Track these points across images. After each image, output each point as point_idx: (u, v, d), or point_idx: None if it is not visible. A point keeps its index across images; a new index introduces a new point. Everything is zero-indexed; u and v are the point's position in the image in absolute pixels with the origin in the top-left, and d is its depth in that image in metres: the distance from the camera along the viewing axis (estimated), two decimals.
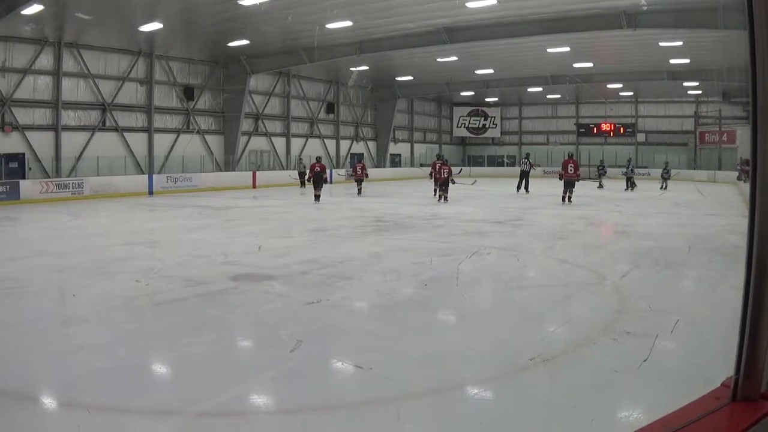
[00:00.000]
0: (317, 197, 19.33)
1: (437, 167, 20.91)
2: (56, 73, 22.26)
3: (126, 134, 24.82)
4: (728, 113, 36.92)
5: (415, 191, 25.63)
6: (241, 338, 5.27)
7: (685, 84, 33.69)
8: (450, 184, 19.60)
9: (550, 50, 25.44)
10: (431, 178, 22.26)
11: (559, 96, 41.97)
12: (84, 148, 23.32)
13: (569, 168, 18.90)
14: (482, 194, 23.12)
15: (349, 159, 36.55)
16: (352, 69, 30.28)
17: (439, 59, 28.13)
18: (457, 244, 10.36)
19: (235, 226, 13.36)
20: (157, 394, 3.93)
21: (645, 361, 4.31)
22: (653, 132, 42.04)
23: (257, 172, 28.92)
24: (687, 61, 26.98)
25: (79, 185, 20.93)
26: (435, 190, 21.79)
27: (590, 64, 29.40)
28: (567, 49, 24.96)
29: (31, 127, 21.88)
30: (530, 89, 39.20)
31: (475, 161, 46.83)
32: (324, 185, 19.88)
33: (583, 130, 44.42)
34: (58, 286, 7.15)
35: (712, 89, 35.15)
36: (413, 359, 4.50)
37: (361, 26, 21.65)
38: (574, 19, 20.24)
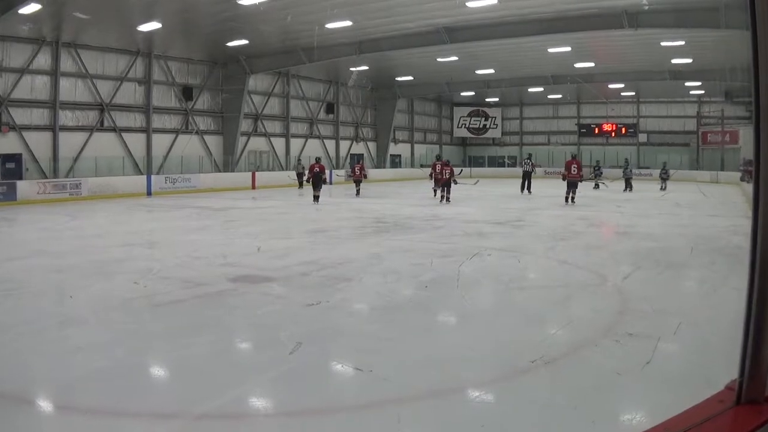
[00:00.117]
0: (316, 198, 19.33)
1: (438, 168, 20.91)
2: (54, 73, 22.28)
3: (124, 135, 24.83)
4: (731, 113, 36.93)
5: (415, 192, 25.62)
6: (240, 340, 5.26)
7: (687, 84, 33.71)
8: (452, 184, 19.58)
9: (550, 50, 25.46)
10: (431, 179, 22.25)
11: (560, 96, 41.98)
12: (82, 149, 23.33)
13: (572, 169, 18.93)
14: (483, 195, 23.11)
15: (348, 159, 36.56)
16: (351, 69, 30.29)
17: (439, 59, 28.14)
18: (458, 245, 10.35)
19: (234, 227, 13.36)
20: (156, 396, 3.93)
21: (647, 363, 4.30)
22: (655, 132, 42.04)
23: (256, 173, 28.92)
24: (689, 60, 26.99)
25: (77, 186, 20.92)
26: (435, 191, 21.82)
27: (591, 64, 29.43)
28: (568, 48, 24.98)
29: (28, 128, 21.89)
30: (531, 89, 39.21)
31: (475, 162, 46.83)
32: (323, 186, 19.84)
33: (584, 130, 44.43)
34: (57, 286, 7.15)
35: (715, 89, 35.17)
36: (414, 361, 4.49)
37: (360, 26, 21.66)
38: (574, 19, 20.24)
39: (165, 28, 20.90)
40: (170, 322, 5.61)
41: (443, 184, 19.56)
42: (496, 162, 46.95)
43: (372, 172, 35.94)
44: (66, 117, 22.93)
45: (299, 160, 29.74)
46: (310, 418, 3.66)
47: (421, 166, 40.04)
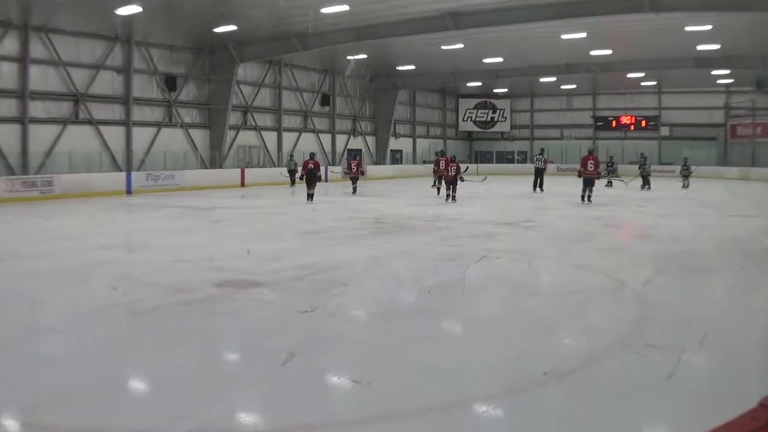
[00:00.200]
0: (310, 196, 19.32)
1: (443, 164, 20.94)
2: (23, 60, 22.14)
3: (101, 128, 24.79)
4: (763, 103, 36.89)
5: (417, 190, 25.59)
6: (228, 350, 5.24)
7: (715, 72, 33.62)
8: (459, 182, 19.57)
9: (564, 36, 25.43)
10: (434, 174, 22.28)
11: (574, 86, 41.99)
12: (54, 143, 23.27)
13: (589, 165, 18.95)
14: (490, 194, 23.10)
15: (345, 155, 36.58)
16: (349, 57, 30.30)
17: (443, 47, 28.13)
18: (464, 247, 10.34)
19: (222, 228, 13.34)
20: (135, 412, 3.91)
21: (670, 376, 4.29)
22: (678, 125, 41.99)
23: (246, 170, 28.93)
24: (716, 46, 26.85)
25: (49, 183, 20.89)
26: (438, 189, 21.84)
27: (609, 52, 29.39)
28: (583, 35, 24.95)
29: None
30: (543, 79, 39.23)
31: (482, 157, 46.88)
32: (318, 184, 19.85)
33: (600, 123, 44.46)
34: (27, 293, 7.13)
35: (745, 77, 35.14)
36: (416, 373, 4.48)
37: (358, 11, 21.64)
38: (591, 3, 20.23)
39: (146, 11, 20.81)
40: (151, 331, 5.59)
41: (449, 181, 19.54)
42: (505, 158, 46.99)
43: (371, 169, 35.94)
44: (37, 108, 22.86)
45: (291, 155, 29.76)
46: None
47: (424, 162, 40.07)
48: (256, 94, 31.52)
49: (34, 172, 22.16)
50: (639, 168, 26.91)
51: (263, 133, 32.15)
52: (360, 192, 23.36)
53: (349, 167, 24.43)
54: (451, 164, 19.63)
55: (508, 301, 6.92)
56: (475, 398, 4.08)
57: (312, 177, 19.60)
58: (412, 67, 34.86)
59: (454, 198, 19.24)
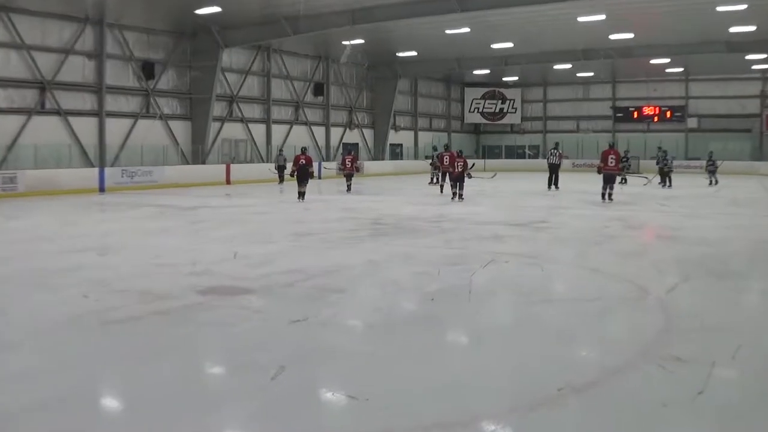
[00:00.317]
0: (301, 195, 19.33)
1: (449, 159, 20.97)
2: None
3: (71, 119, 24.77)
4: None
5: (418, 188, 25.58)
6: (211, 364, 5.24)
7: (749, 57, 33.45)
8: (466, 179, 19.59)
9: (581, 19, 25.44)
10: (438, 171, 22.32)
11: (591, 74, 42.04)
12: (18, 136, 23.23)
13: (609, 160, 18.98)
14: (499, 192, 23.12)
15: (341, 149, 36.58)
16: (344, 43, 30.27)
17: (448, 31, 28.13)
18: (470, 250, 10.35)
19: (205, 229, 13.35)
20: None
21: (699, 393, 4.28)
22: (708, 116, 41.97)
23: (231, 166, 28.93)
24: (751, 28, 26.75)
25: (12, 180, 20.86)
26: (442, 186, 21.88)
27: (630, 35, 29.32)
28: (602, 17, 24.93)
29: None
30: (557, 66, 39.15)
31: (490, 152, 46.92)
32: (310, 181, 19.86)
33: (620, 114, 44.53)
34: None
35: None
36: (417, 388, 4.47)
37: None
38: None
39: None
40: (126, 343, 5.57)
41: (455, 178, 19.56)
42: (515, 153, 47.02)
43: (368, 165, 35.96)
44: None
45: (281, 150, 29.76)
46: None
47: (426, 158, 40.02)
48: (242, 83, 31.51)
49: None
50: (657, 164, 26.90)
51: (250, 125, 32.15)
52: (356, 190, 23.34)
53: (344, 163, 24.48)
54: (458, 160, 19.66)
55: (518, 309, 6.91)
56: (481, 416, 4.07)
57: (304, 174, 19.59)
58: (414, 53, 34.87)
59: (461, 196, 19.26)
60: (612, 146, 20.03)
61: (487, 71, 40.78)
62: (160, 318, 6.31)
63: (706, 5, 23.05)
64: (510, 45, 32.05)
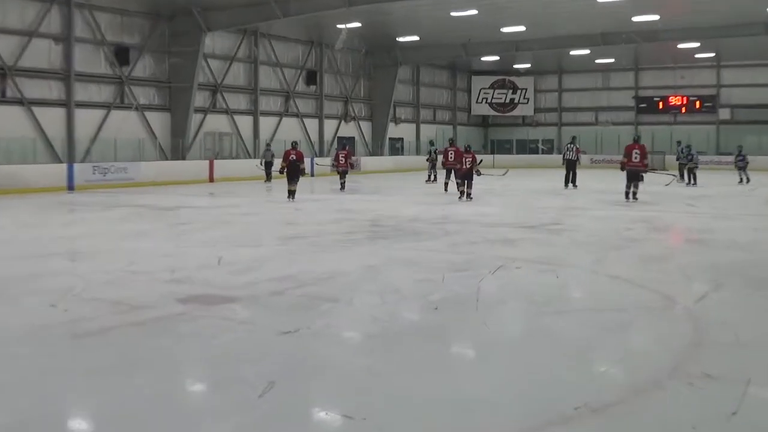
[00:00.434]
0: (291, 194, 19.35)
1: (453, 155, 21.01)
2: None
3: (35, 109, 24.74)
4: None
5: (421, 186, 25.59)
6: (192, 380, 5.23)
7: None
8: (475, 176, 19.62)
9: None
10: (443, 167, 22.41)
11: (612, 60, 42.08)
12: None
13: (634, 155, 18.99)
14: (509, 190, 23.15)
15: (335, 144, 36.60)
16: (339, 26, 30.30)
17: (453, 13, 28.19)
18: (477, 255, 10.38)
19: (186, 232, 13.38)
20: None
21: (733, 414, 4.27)
22: (742, 106, 41.96)
23: (215, 161, 28.93)
24: None
25: None
26: (446, 185, 21.95)
27: (655, 17, 29.36)
28: None
29: None
30: (574, 52, 39.29)
31: (500, 147, 46.99)
32: (301, 178, 19.88)
33: (644, 105, 44.60)
34: None
35: None
36: (419, 406, 4.47)
37: None
38: None
39: None
40: (98, 357, 5.56)
41: (463, 176, 19.59)
42: (527, 147, 47.06)
43: (365, 161, 35.99)
44: None
45: (268, 144, 29.72)
46: None
47: (430, 153, 40.01)
48: (227, 71, 31.52)
49: None
50: (677, 159, 26.94)
51: (236, 117, 32.16)
52: (351, 188, 23.35)
53: (337, 159, 24.53)
54: (465, 155, 19.68)
55: (531, 319, 6.91)
56: None
57: (294, 171, 19.60)
58: (416, 38, 34.89)
59: (469, 195, 19.30)
60: (636, 140, 20.01)
61: (497, 58, 40.85)
62: (135, 330, 6.30)
63: None
64: (522, 28, 32.10)
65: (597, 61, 42.08)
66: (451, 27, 31.65)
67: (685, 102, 43.30)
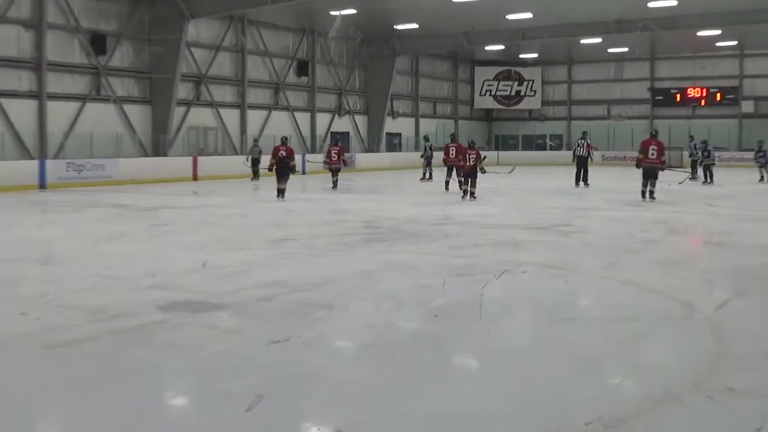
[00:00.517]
0: (281, 192, 19.37)
1: (455, 151, 21.07)
2: None
3: (3, 101, 24.75)
4: None
5: (420, 185, 25.61)
6: (174, 394, 5.23)
7: None
8: (479, 174, 19.63)
9: None
10: (444, 165, 22.52)
11: (626, 50, 42.11)
12: None
13: (651, 151, 19.02)
14: (515, 189, 23.18)
15: (328, 140, 36.61)
16: (333, 13, 30.30)
17: None
18: (481, 259, 10.38)
19: (168, 234, 13.38)
20: None
21: (758, 431, 4.27)
22: (766, 99, 41.92)
23: (199, 158, 28.91)
24: None
25: None
26: (447, 183, 22.02)
27: (673, 2, 29.37)
28: None
29: None
30: (584, 41, 39.35)
31: (504, 143, 47.01)
32: (292, 176, 19.89)
33: (660, 97, 44.66)
34: None
35: None
36: (417, 421, 4.47)
37: None
38: None
39: None
40: (73, 370, 5.55)
41: (467, 173, 19.62)
42: (534, 143, 47.10)
43: (361, 158, 36.00)
44: None
45: (256, 140, 29.71)
46: None
47: (425, 149, 40.05)
48: (212, 61, 31.53)
49: None
50: (690, 156, 26.99)
51: (221, 110, 32.16)
52: (345, 187, 23.38)
53: (329, 155, 24.56)
54: (469, 152, 19.71)
55: (538, 328, 6.91)
56: None
57: (284, 168, 19.61)
58: (415, 25, 34.90)
59: (473, 194, 19.34)
60: (654, 135, 20.01)
61: (502, 47, 40.86)
62: (113, 340, 6.29)
63: None
64: (529, 15, 32.14)
65: (609, 50, 42.11)
66: (452, 14, 31.66)
67: (704, 94, 43.34)
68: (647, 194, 18.91)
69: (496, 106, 49.04)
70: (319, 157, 32.19)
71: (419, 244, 11.86)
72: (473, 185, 19.50)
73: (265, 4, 26.56)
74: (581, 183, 24.23)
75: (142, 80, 28.95)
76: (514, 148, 46.08)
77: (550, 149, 46.34)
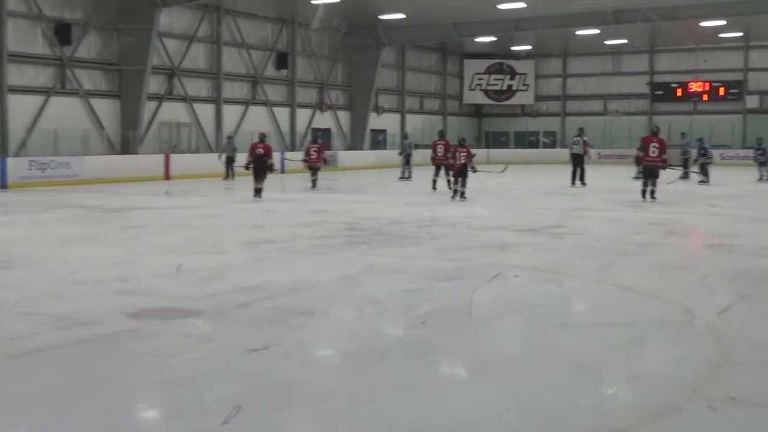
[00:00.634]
0: (258, 192, 19.36)
1: (443, 149, 21.14)
2: None
3: None
4: None
5: (406, 184, 25.60)
6: (146, 406, 5.22)
7: None
8: (470, 173, 19.68)
9: None
10: (432, 163, 22.61)
11: (624, 42, 42.25)
12: None
13: (651, 149, 19.08)
14: (506, 189, 23.24)
15: (309, 136, 36.57)
16: (315, 2, 30.27)
17: None
18: (470, 262, 10.41)
19: (139, 236, 13.33)
20: None
21: None
22: None
23: (171, 156, 28.81)
24: None
25: None
26: (434, 182, 22.09)
27: None
28: None
29: None
30: (580, 32, 39.43)
31: (495, 140, 47.05)
32: (270, 175, 19.89)
33: (660, 92, 44.80)
34: None
35: None
36: None
37: None
38: None
39: None
40: (37, 381, 5.53)
41: (456, 173, 19.68)
42: (526, 140, 47.17)
43: (343, 156, 35.98)
44: None
45: (230, 137, 29.56)
46: None
47: (416, 147, 40.07)
48: (185, 52, 31.43)
49: None
50: (682, 154, 27.18)
51: (196, 105, 32.07)
52: (326, 186, 23.39)
53: (308, 153, 24.58)
54: (460, 150, 19.76)
55: (531, 335, 6.95)
56: None
57: (261, 166, 19.61)
58: (401, 15, 34.92)
59: (463, 195, 19.37)
60: (655, 132, 20.07)
61: (493, 39, 40.94)
62: (80, 349, 6.27)
63: None
64: (522, 5, 32.18)
65: (607, 42, 42.22)
66: (441, 3, 31.72)
67: (707, 88, 43.42)
68: (648, 194, 18.99)
69: (487, 101, 49.10)
70: (299, 155, 32.24)
71: (405, 246, 11.87)
72: (463, 185, 19.54)
73: None
74: (578, 182, 24.29)
75: (110, 72, 28.82)
76: (506, 145, 46.16)
77: (544, 147, 46.40)
